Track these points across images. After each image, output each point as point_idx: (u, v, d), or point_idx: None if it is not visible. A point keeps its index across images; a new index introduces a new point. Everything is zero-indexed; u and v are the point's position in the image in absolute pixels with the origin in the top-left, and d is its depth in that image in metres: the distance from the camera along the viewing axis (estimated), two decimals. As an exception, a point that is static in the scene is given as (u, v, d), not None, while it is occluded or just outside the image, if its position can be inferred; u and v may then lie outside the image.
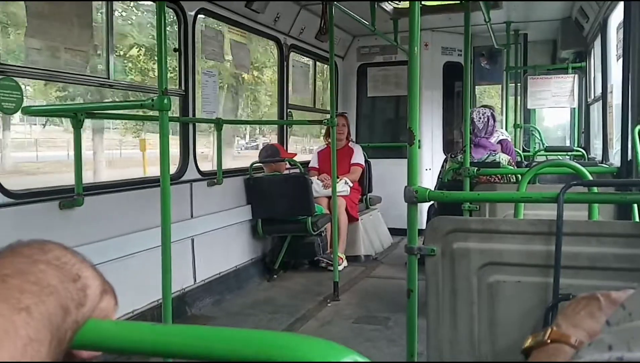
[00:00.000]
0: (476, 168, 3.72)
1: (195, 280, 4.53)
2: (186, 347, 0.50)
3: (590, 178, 2.29)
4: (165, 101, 2.36)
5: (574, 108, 7.46)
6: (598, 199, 2.08)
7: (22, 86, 2.98)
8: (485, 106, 4.92)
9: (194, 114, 4.59)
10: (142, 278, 3.66)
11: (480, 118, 4.31)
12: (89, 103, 3.63)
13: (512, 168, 4.23)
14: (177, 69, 4.47)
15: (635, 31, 3.54)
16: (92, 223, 3.45)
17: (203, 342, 0.51)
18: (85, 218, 3.39)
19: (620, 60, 3.95)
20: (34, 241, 0.52)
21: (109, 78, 3.63)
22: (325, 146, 6.38)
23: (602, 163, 5.12)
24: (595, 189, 2.15)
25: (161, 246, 2.71)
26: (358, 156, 6.51)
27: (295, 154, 6.01)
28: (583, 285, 1.80)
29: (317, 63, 7.22)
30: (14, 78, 2.95)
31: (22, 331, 0.43)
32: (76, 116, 3.19)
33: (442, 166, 4.68)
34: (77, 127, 3.23)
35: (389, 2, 6.22)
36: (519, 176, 4.00)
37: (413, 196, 2.11)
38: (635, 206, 2.47)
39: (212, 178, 4.78)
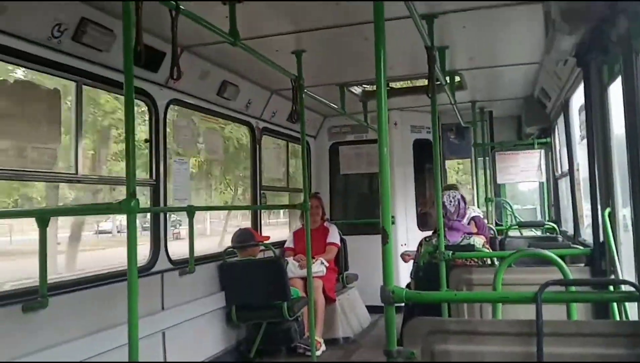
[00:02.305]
0: (451, 252, 3.71)
1: (167, 375, 4.32)
2: None
3: (568, 271, 2.29)
4: (133, 203, 2.31)
5: (543, 182, 7.62)
6: (576, 299, 2.06)
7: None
8: (451, 186, 4.99)
9: (165, 203, 4.53)
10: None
11: (451, 201, 4.35)
12: (55, 207, 3.57)
13: (487, 250, 4.24)
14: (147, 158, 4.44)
15: (597, 114, 3.65)
16: (57, 324, 3.29)
17: None
18: (50, 320, 3.24)
19: (584, 140, 4.05)
20: None
21: (77, 173, 3.57)
22: (301, 226, 6.35)
23: (574, 238, 5.16)
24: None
25: (128, 345, 2.58)
26: (333, 236, 6.48)
27: (269, 238, 5.94)
28: (567, 388, 1.75)
29: (290, 143, 7.29)
30: (-22, 179, 2.89)
31: None
32: (42, 218, 3.11)
33: (418, 250, 4.67)
34: (43, 227, 3.13)
35: (357, 86, 6.38)
36: (496, 258, 4.02)
37: (390, 297, 2.07)
38: (615, 304, 2.46)
39: (183, 266, 4.67)
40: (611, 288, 2.20)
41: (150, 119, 4.39)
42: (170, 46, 2.75)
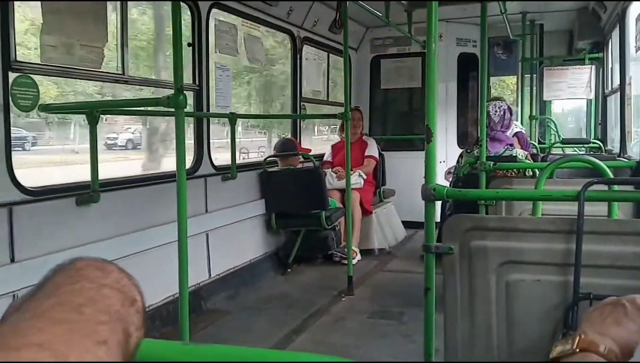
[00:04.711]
0: (493, 163, 3.68)
1: (210, 275, 4.55)
2: None
3: (611, 174, 2.26)
4: (181, 98, 2.36)
5: (591, 100, 7.37)
6: (619, 198, 2.04)
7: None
8: (497, 98, 4.88)
9: (207, 109, 4.59)
10: (157, 273, 3.68)
11: (496, 112, 4.27)
12: (105, 100, 3.64)
13: (529, 162, 4.19)
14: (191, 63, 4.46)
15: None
16: (108, 219, 3.47)
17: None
18: (102, 215, 3.41)
19: (639, 52, 3.87)
20: (92, 261, 0.52)
21: (123, 74, 3.64)
22: (340, 139, 6.37)
23: (619, 156, 5.05)
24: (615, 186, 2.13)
25: (178, 242, 2.72)
26: (372, 149, 6.48)
27: (310, 150, 5.99)
28: (603, 284, 1.78)
29: (330, 55, 7.18)
30: (30, 75, 2.97)
31: None
32: (92, 113, 3.21)
33: (458, 161, 4.65)
34: (93, 123, 3.24)
35: (404, -7, 6.16)
36: (536, 170, 3.97)
37: (430, 194, 2.09)
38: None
39: (226, 172, 4.79)
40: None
41: (192, 23, 4.37)
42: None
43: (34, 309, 0.46)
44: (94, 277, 0.50)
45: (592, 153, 6.49)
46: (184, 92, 2.51)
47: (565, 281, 1.84)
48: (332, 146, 6.63)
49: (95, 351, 0.43)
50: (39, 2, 3.08)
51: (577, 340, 0.86)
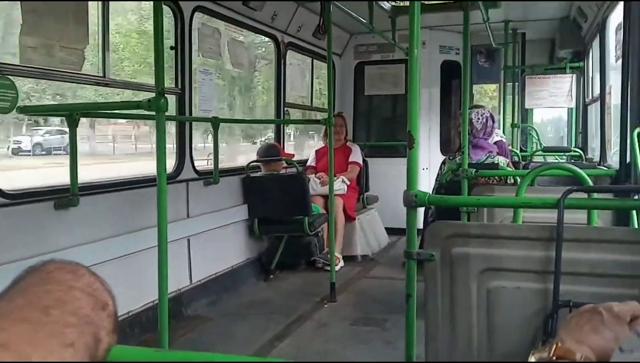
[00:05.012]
0: (475, 170, 3.70)
1: (191, 281, 4.51)
2: None
3: (590, 183, 2.28)
4: (162, 101, 2.33)
5: (572, 108, 7.45)
6: (598, 206, 2.06)
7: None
8: (476, 106, 4.91)
9: (190, 113, 4.56)
10: (137, 279, 3.64)
11: (479, 119, 4.30)
12: (85, 103, 3.59)
13: (511, 169, 4.22)
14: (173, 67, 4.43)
15: (635, 32, 3.52)
16: (87, 223, 3.42)
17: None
18: (81, 219, 3.36)
19: (619, 61, 3.93)
20: (64, 263, 0.52)
21: (104, 76, 3.59)
22: (324, 145, 6.37)
23: (600, 164, 5.11)
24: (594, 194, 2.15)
25: (158, 247, 2.69)
26: (356, 155, 6.49)
27: (293, 155, 5.98)
28: (583, 292, 1.78)
29: (315, 61, 7.18)
30: (9, 77, 2.92)
31: None
32: (72, 115, 3.16)
33: (440, 168, 4.67)
34: (73, 126, 3.19)
35: (388, 0, 6.19)
36: (518, 177, 4.00)
37: (412, 201, 2.09)
38: (635, 212, 2.46)
39: (208, 177, 4.75)
40: (634, 198, 2.20)
41: (175, 25, 4.34)
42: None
43: (0, 308, 0.44)
44: (64, 280, 0.49)
45: (572, 161, 6.58)
46: (166, 95, 2.49)
47: (545, 288, 1.85)
48: (316, 151, 6.63)
49: (61, 352, 0.42)
50: (19, 2, 3.03)
51: (554, 348, 0.85)
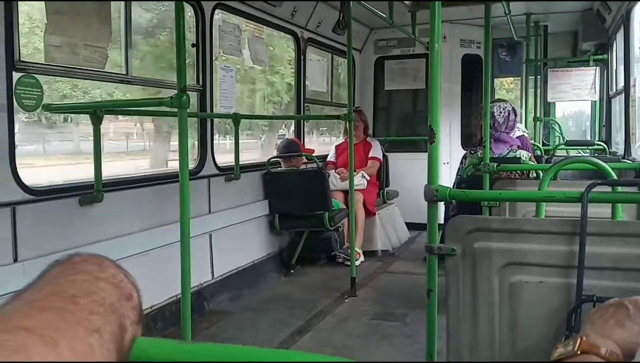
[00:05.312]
0: (496, 164, 3.67)
1: (213, 275, 4.55)
2: None
3: (615, 176, 2.25)
4: (184, 98, 2.36)
5: (595, 101, 7.34)
6: (623, 199, 2.04)
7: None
8: (500, 100, 4.87)
9: (211, 110, 4.60)
10: (160, 273, 3.68)
11: (500, 113, 4.26)
12: (108, 101, 3.64)
13: (533, 163, 4.18)
14: (195, 64, 4.46)
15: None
16: (111, 219, 3.47)
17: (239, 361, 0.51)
18: (105, 214, 3.42)
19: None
20: (90, 256, 0.53)
21: (127, 74, 3.64)
22: (344, 140, 6.37)
23: (624, 158, 5.03)
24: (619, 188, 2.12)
25: (180, 242, 2.72)
26: (376, 151, 6.48)
27: (314, 151, 5.99)
28: (607, 286, 1.77)
29: (334, 57, 7.18)
30: (34, 75, 2.98)
31: (97, 353, 0.43)
32: (95, 113, 3.21)
33: (461, 162, 4.64)
34: (97, 123, 3.25)
35: (408, -5, 6.16)
36: (539, 171, 3.95)
37: (433, 195, 2.08)
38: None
39: (229, 173, 4.79)
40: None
41: (196, 23, 4.38)
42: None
43: (26, 298, 0.46)
44: (90, 270, 0.50)
45: (596, 154, 6.48)
46: (187, 92, 2.52)
47: (568, 283, 1.83)
48: (336, 146, 6.63)
49: (86, 339, 0.43)
50: (43, 3, 3.08)
51: (578, 342, 0.85)
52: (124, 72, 3.65)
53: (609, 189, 2.19)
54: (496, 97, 6.54)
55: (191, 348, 0.56)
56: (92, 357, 0.43)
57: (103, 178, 3.37)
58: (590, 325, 0.92)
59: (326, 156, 6.64)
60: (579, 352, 0.84)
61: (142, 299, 0.54)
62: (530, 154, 4.32)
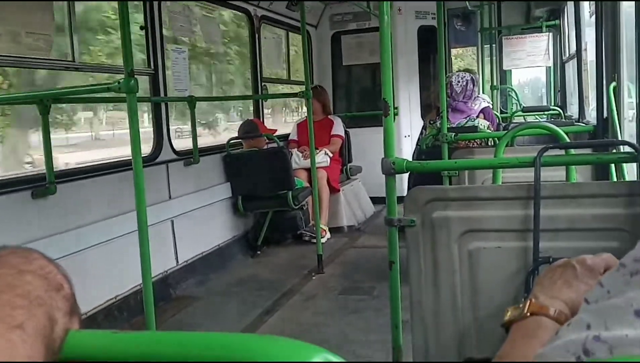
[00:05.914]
0: (454, 134, 3.70)
1: (177, 262, 4.49)
2: (170, 353, 0.49)
3: (567, 139, 2.29)
4: (132, 82, 2.29)
5: (550, 67, 7.46)
6: (574, 161, 2.07)
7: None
8: (467, 70, 4.89)
9: (165, 93, 4.49)
10: (122, 263, 3.62)
11: (459, 82, 4.28)
12: (55, 89, 3.50)
13: (490, 131, 4.23)
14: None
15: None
16: (66, 210, 3.38)
17: (179, 348, 0.49)
18: (59, 206, 3.32)
19: (594, 17, 3.92)
20: (18, 249, 0.51)
21: (74, 61, 3.51)
22: (305, 118, 6.32)
23: (578, 121, 5.14)
24: (572, 150, 2.15)
25: (138, 230, 2.66)
26: (338, 128, 6.47)
27: (275, 131, 5.93)
28: (563, 247, 1.80)
29: (290, 34, 7.09)
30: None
31: (20, 349, 0.42)
32: (42, 102, 3.10)
33: (421, 133, 4.67)
34: (44, 113, 3.13)
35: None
36: (497, 139, 4.00)
37: (390, 168, 2.08)
38: (613, 166, 2.48)
39: (188, 157, 4.71)
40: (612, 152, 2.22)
41: (144, 5, 4.24)
42: None
43: None
44: (16, 264, 0.49)
45: (552, 119, 6.61)
46: (138, 76, 2.44)
47: (525, 246, 1.86)
48: (297, 124, 6.58)
49: (7, 335, 0.42)
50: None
51: (527, 305, 0.85)
52: (70, 59, 3.51)
53: (564, 153, 2.23)
54: (453, 68, 6.57)
55: (127, 338, 0.53)
56: (15, 353, 0.42)
57: (55, 169, 3.27)
58: (540, 286, 0.92)
59: (288, 135, 6.59)
60: (528, 314, 0.84)
61: (74, 289, 0.52)
62: (488, 123, 4.36)
